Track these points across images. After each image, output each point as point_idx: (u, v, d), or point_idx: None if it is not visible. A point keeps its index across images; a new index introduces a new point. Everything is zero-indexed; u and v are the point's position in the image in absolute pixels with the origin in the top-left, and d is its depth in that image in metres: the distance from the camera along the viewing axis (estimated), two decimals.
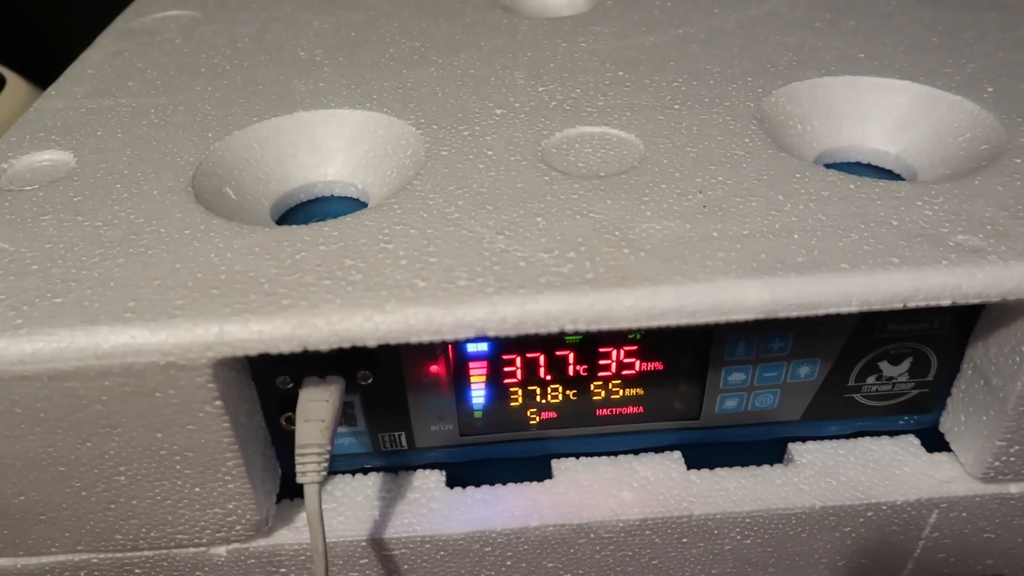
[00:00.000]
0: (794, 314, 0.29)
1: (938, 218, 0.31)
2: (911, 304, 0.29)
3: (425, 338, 0.28)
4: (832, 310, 0.29)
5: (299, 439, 0.31)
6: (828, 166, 0.41)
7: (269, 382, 0.33)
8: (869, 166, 0.41)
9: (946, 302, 0.29)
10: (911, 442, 0.37)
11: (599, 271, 0.29)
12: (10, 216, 0.34)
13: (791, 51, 0.45)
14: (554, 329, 0.28)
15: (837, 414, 0.37)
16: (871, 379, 0.36)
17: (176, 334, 0.27)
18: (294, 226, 0.33)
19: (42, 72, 0.46)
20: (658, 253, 0.30)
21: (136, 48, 0.50)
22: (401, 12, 0.53)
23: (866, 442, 0.37)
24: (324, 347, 0.28)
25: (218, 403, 0.29)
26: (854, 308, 0.29)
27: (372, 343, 0.28)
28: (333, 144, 0.41)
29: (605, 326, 0.28)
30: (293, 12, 0.54)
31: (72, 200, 0.35)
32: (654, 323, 0.28)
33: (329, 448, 0.31)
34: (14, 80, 0.62)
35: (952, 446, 0.36)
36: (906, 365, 0.35)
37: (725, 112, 0.39)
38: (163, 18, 0.54)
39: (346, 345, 0.28)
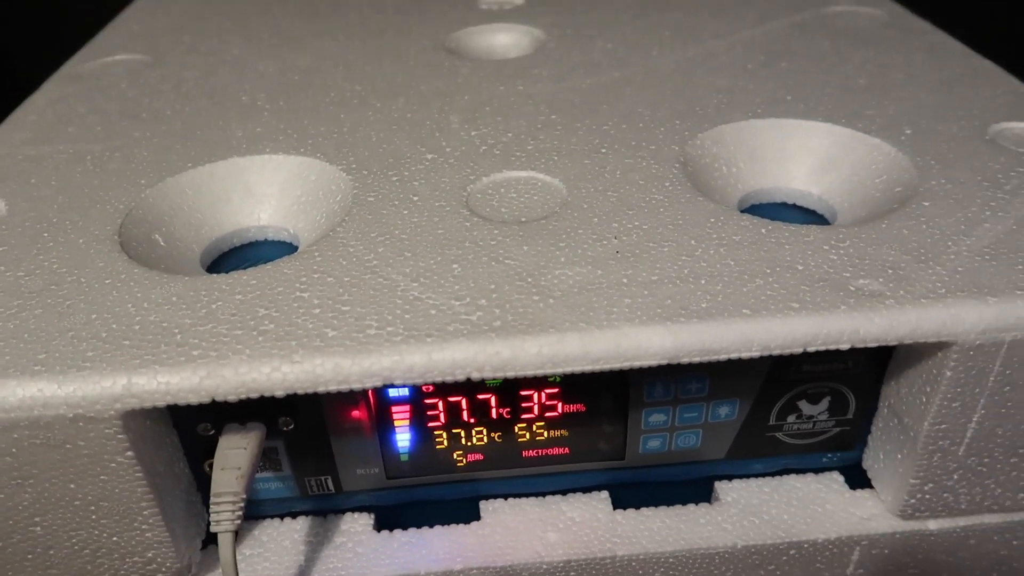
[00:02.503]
0: (696, 359, 0.29)
1: (842, 262, 0.32)
2: (811, 348, 0.29)
3: (333, 387, 0.28)
4: (734, 355, 0.29)
5: (214, 487, 0.31)
6: (753, 207, 0.42)
7: (191, 428, 0.33)
8: (794, 207, 0.42)
9: (844, 346, 0.29)
10: (835, 479, 0.37)
11: (507, 319, 0.30)
12: None
13: (722, 93, 0.46)
14: (460, 377, 0.29)
15: (761, 452, 0.38)
16: (791, 418, 0.36)
17: (83, 387, 0.28)
18: (213, 275, 0.33)
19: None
20: (567, 300, 0.31)
21: (81, 93, 0.50)
22: (347, 55, 0.54)
23: (791, 480, 0.38)
24: (232, 398, 0.28)
25: (129, 453, 0.29)
26: (755, 353, 0.29)
27: (280, 393, 0.28)
28: (267, 189, 0.42)
29: (511, 374, 0.29)
30: (241, 56, 0.55)
31: None
32: (559, 370, 0.29)
33: (244, 497, 0.31)
34: None
35: (874, 483, 0.37)
36: (824, 404, 0.36)
37: (649, 156, 0.40)
38: (112, 62, 0.55)
39: (254, 395, 0.28)
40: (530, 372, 0.29)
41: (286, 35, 0.58)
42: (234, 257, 0.41)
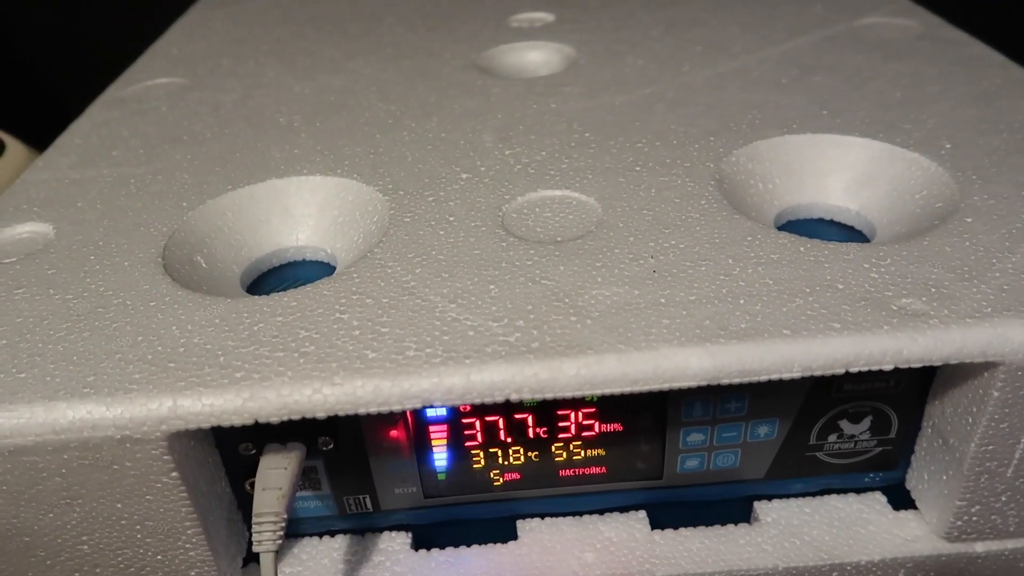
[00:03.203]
0: (736, 380, 0.29)
1: (884, 281, 0.32)
2: (853, 369, 0.29)
3: (373, 409, 0.29)
4: (774, 376, 0.29)
5: (256, 507, 0.31)
6: (790, 223, 0.42)
7: (233, 449, 0.34)
8: (831, 223, 0.42)
9: (888, 367, 0.29)
10: (877, 500, 0.37)
11: (545, 340, 0.30)
12: None
13: (755, 109, 0.46)
14: (499, 399, 0.29)
15: (801, 472, 0.37)
16: (832, 437, 0.36)
17: (131, 409, 0.28)
18: (255, 297, 0.34)
19: (46, 137, 0.48)
20: (604, 320, 0.31)
21: (124, 117, 0.51)
22: (381, 76, 0.55)
23: (832, 500, 0.37)
24: (275, 419, 0.29)
25: (174, 474, 0.30)
26: (795, 374, 0.29)
27: (321, 415, 0.29)
28: (305, 210, 0.42)
29: (549, 395, 0.29)
30: (277, 78, 0.56)
31: (46, 273, 0.36)
32: (597, 391, 0.29)
33: (285, 516, 0.31)
34: (14, 146, 0.65)
35: (918, 504, 0.36)
36: (866, 423, 0.35)
37: (684, 173, 0.40)
38: (152, 86, 0.56)
39: (296, 417, 0.29)
40: (568, 394, 0.29)
41: (320, 57, 0.59)
42: (273, 277, 0.42)
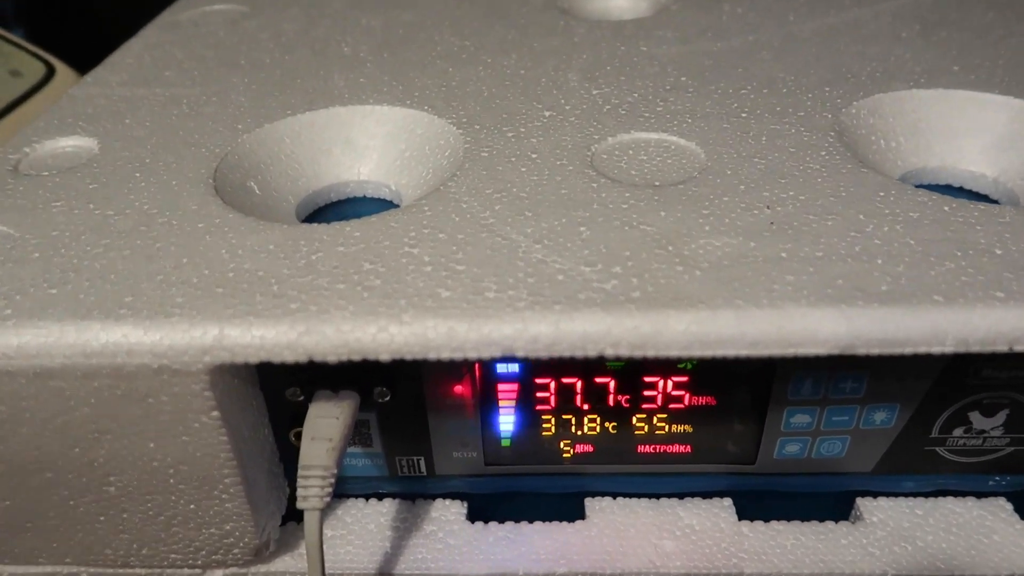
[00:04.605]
0: (874, 352, 0.24)
1: None
2: (1018, 347, 0.24)
3: (445, 355, 0.25)
4: (921, 349, 0.24)
5: (302, 459, 0.28)
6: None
7: (279, 393, 0.30)
8: (961, 190, 0.37)
9: None
10: (1002, 506, 0.32)
11: (647, 289, 0.26)
12: (22, 201, 0.32)
13: (874, 62, 0.41)
14: (591, 353, 0.25)
15: (916, 468, 0.33)
16: (958, 431, 0.31)
17: (171, 335, 0.25)
18: (314, 224, 0.30)
19: (96, 64, 0.45)
20: (716, 273, 0.26)
21: (179, 40, 0.48)
22: (454, 12, 0.51)
23: (948, 503, 0.33)
24: (332, 358, 0.25)
25: (215, 413, 0.26)
26: (948, 348, 0.24)
27: (385, 357, 0.25)
28: (369, 142, 0.38)
29: (651, 353, 0.25)
30: (343, 9, 0.52)
31: (87, 187, 0.33)
32: (708, 353, 0.25)
33: (335, 471, 0.28)
34: (64, 70, 0.62)
35: None
36: (1001, 418, 0.31)
37: (799, 123, 0.35)
38: (210, 11, 0.53)
39: (356, 357, 0.25)
40: (673, 353, 0.25)
41: None
42: (331, 213, 0.38)
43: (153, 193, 0.32)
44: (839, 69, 0.40)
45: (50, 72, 0.62)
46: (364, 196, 0.38)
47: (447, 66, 0.43)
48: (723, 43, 0.44)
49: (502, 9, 0.51)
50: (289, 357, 0.25)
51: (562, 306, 0.25)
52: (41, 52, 0.64)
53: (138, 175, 0.34)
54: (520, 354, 0.25)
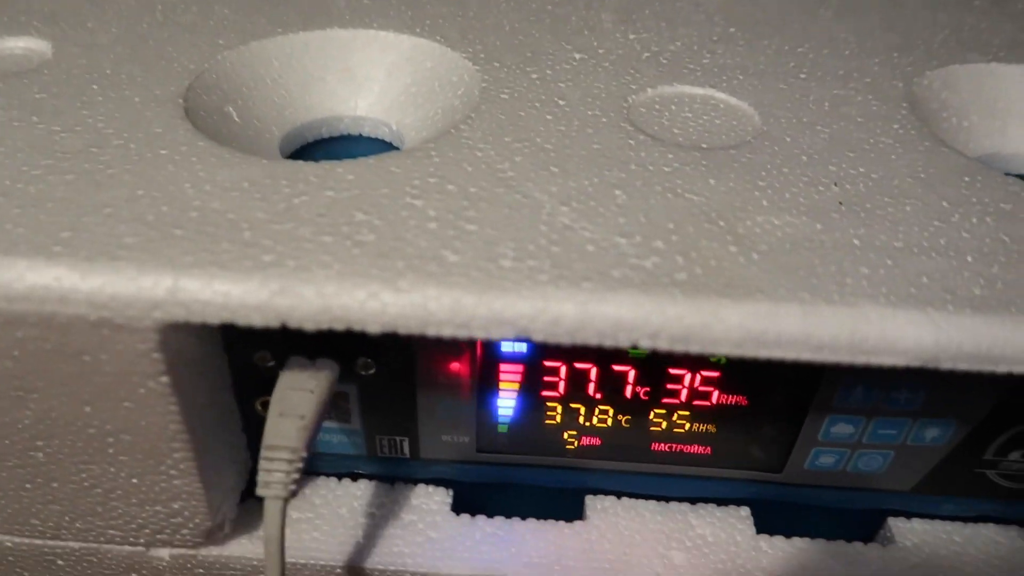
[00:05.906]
0: (963, 367, 0.20)
1: None
2: None
3: (447, 331, 0.20)
4: (1017, 369, 0.20)
5: (267, 438, 0.23)
6: None
7: (247, 357, 0.26)
8: None
9: None
10: None
11: (695, 271, 0.21)
12: None
13: (947, 29, 0.36)
14: (624, 343, 0.21)
15: (959, 491, 0.29)
16: (1015, 455, 0.28)
17: (115, 282, 0.20)
18: (299, 162, 0.25)
19: None
20: (777, 258, 0.22)
21: None
22: None
23: (989, 531, 0.29)
24: (310, 325, 0.20)
25: (164, 379, 0.22)
26: None
27: (375, 329, 0.20)
28: (370, 72, 0.33)
29: (695, 348, 0.20)
30: None
31: (33, 96, 0.28)
32: (764, 353, 0.20)
33: (304, 455, 0.23)
34: None
35: None
36: None
37: (866, 89, 0.31)
38: None
39: (339, 327, 0.20)
40: (723, 351, 0.20)
41: None
42: (319, 152, 0.33)
43: (111, 110, 0.27)
44: (908, 34, 0.35)
45: None
46: (360, 135, 0.34)
47: None
48: None
49: None
50: (257, 320, 0.20)
51: (592, 284, 0.21)
52: None
53: (95, 87, 0.28)
54: (537, 338, 0.21)
